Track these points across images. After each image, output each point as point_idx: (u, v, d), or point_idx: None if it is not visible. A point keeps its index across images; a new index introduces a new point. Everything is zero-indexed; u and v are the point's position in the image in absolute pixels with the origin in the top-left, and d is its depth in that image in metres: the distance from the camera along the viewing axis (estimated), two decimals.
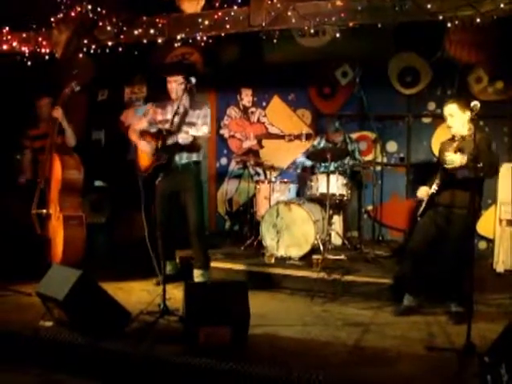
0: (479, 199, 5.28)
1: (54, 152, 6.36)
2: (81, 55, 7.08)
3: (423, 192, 5.40)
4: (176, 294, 5.52)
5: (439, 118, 7.91)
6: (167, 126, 5.81)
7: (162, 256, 5.74)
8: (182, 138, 5.75)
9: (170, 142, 5.78)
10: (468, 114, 5.08)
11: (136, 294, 6.01)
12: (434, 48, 7.97)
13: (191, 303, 4.27)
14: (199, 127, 5.85)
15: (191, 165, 6.12)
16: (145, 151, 6.06)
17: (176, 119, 5.78)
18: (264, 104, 9.35)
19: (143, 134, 6.13)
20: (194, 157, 6.12)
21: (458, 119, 5.20)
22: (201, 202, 6.23)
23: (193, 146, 5.93)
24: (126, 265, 7.03)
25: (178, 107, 5.81)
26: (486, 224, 7.63)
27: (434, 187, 5.28)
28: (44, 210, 6.33)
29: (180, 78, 5.98)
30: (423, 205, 5.41)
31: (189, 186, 6.10)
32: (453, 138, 5.33)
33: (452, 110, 5.22)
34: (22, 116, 7.18)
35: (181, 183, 6.08)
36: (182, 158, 6.03)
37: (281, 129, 9.20)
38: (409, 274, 5.41)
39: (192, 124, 5.92)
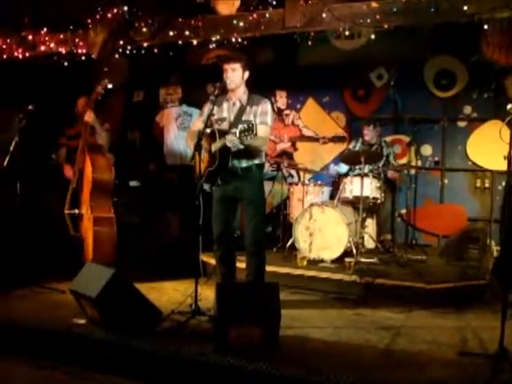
0: None
1: (87, 152, 6.37)
2: (117, 56, 7.17)
3: None
4: (209, 295, 5.53)
5: (475, 122, 7.85)
6: (224, 125, 5.25)
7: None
8: (231, 142, 4.86)
9: (219, 144, 4.99)
10: None
11: (168, 294, 6.04)
12: (471, 51, 7.87)
13: (222, 303, 4.26)
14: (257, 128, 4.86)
15: (253, 169, 5.26)
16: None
17: (232, 117, 5.25)
18: (298, 106, 9.36)
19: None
20: (256, 159, 5.26)
21: None
22: (262, 213, 5.45)
23: (249, 149, 5.09)
24: (159, 265, 7.05)
25: (234, 103, 5.28)
26: None
27: None
28: (76, 211, 6.39)
29: (238, 66, 5.16)
30: None
31: (250, 195, 5.28)
32: None
33: None
34: (63, 115, 7.25)
35: (241, 190, 5.26)
36: (242, 161, 5.20)
37: (315, 131, 9.18)
38: None
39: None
